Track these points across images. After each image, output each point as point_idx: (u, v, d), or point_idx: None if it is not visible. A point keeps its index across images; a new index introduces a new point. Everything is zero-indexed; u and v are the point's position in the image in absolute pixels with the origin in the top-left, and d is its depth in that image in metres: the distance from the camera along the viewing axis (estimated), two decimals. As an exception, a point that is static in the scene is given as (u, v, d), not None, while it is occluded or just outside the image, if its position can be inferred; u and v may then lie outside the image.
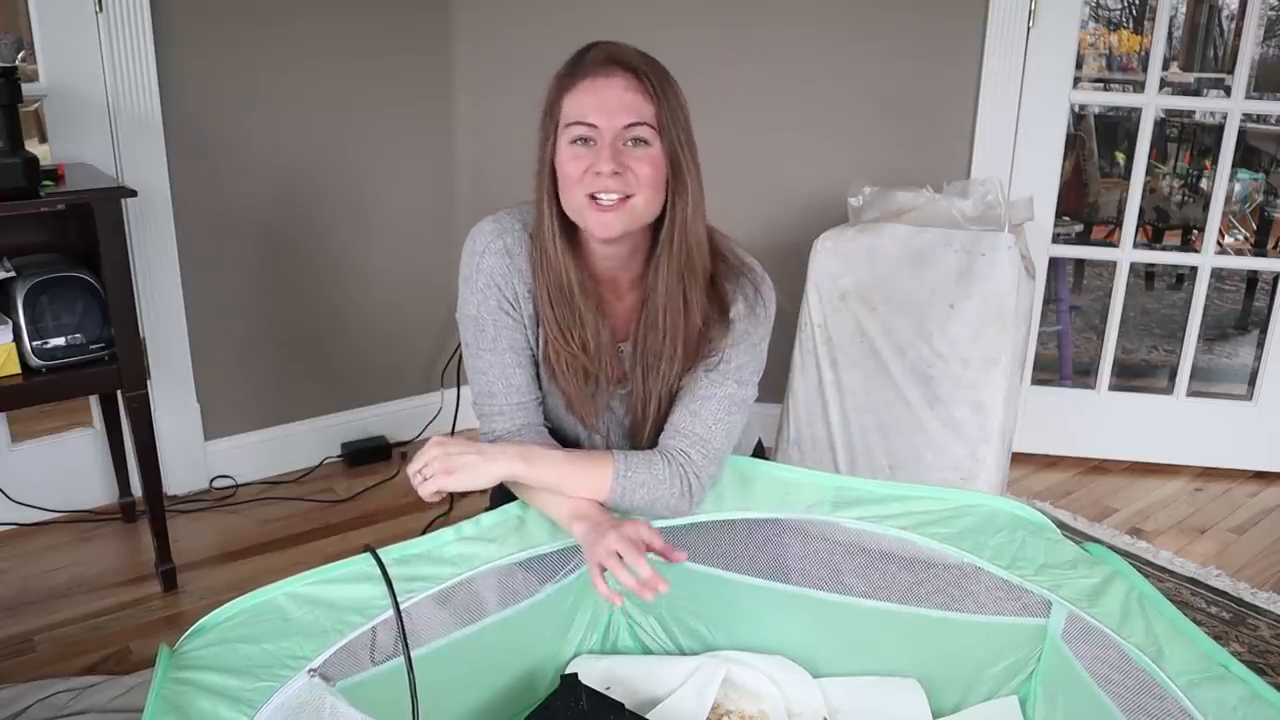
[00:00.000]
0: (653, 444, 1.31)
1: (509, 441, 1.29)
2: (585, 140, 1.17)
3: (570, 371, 1.29)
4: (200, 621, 1.07)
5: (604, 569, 1.14)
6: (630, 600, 1.47)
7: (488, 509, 1.35)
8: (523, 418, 1.31)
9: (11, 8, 2.17)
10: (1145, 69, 2.61)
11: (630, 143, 1.17)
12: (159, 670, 0.99)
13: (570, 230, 1.24)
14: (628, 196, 1.17)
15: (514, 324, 1.29)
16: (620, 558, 1.12)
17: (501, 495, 1.37)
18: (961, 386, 2.10)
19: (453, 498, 2.37)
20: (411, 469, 1.22)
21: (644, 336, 1.28)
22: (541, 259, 1.25)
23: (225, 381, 2.44)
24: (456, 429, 2.77)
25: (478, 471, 1.21)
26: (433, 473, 1.19)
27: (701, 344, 1.27)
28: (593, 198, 1.17)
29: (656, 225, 1.24)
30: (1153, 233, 4.57)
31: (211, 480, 2.46)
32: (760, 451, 1.60)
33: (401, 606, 1.08)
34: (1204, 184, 5.04)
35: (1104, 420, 2.74)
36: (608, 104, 1.16)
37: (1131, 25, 8.28)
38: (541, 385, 1.34)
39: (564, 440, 1.38)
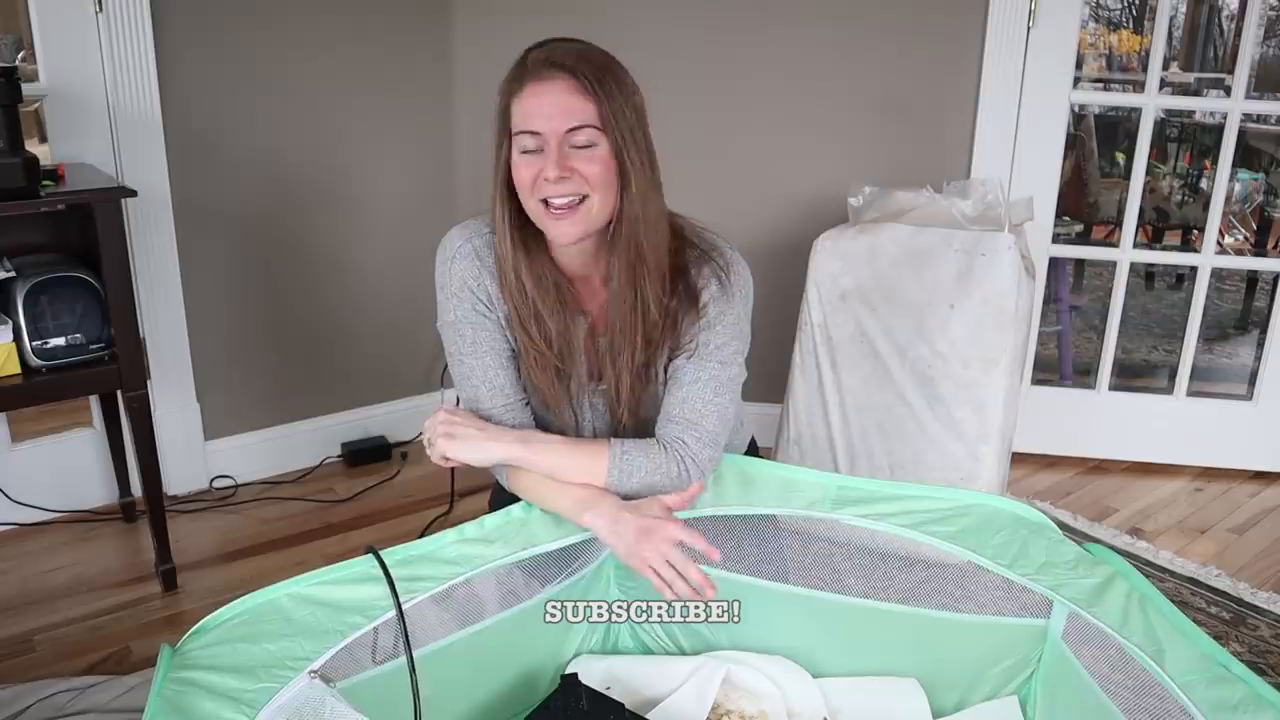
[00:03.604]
0: (631, 433, 1.32)
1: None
2: (533, 148, 1.18)
3: (538, 367, 1.30)
4: (202, 621, 1.06)
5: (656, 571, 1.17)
6: (630, 600, 1.47)
7: (490, 507, 1.35)
8: (511, 419, 1.32)
9: (11, 8, 2.17)
10: (1145, 69, 2.60)
11: (577, 145, 1.18)
12: (160, 670, 0.99)
13: (529, 231, 1.25)
14: (582, 199, 1.19)
15: (491, 325, 1.30)
16: (671, 566, 1.16)
17: (501, 498, 1.38)
18: (961, 386, 2.10)
19: (452, 497, 2.37)
20: (424, 435, 1.27)
21: (611, 325, 1.29)
22: (499, 258, 1.27)
23: (225, 381, 2.44)
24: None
25: (477, 447, 1.25)
26: (436, 437, 1.24)
27: (668, 333, 1.28)
28: (547, 205, 1.19)
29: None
30: (1153, 233, 4.57)
31: (211, 480, 2.46)
32: (754, 451, 1.60)
33: (404, 607, 1.07)
34: (1204, 184, 5.04)
35: (1104, 420, 2.74)
36: (548, 109, 1.17)
37: (1131, 25, 8.28)
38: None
39: None
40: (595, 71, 1.18)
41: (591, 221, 1.21)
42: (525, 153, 1.19)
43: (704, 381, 1.28)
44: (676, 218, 1.31)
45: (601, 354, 1.32)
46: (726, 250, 1.31)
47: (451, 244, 1.31)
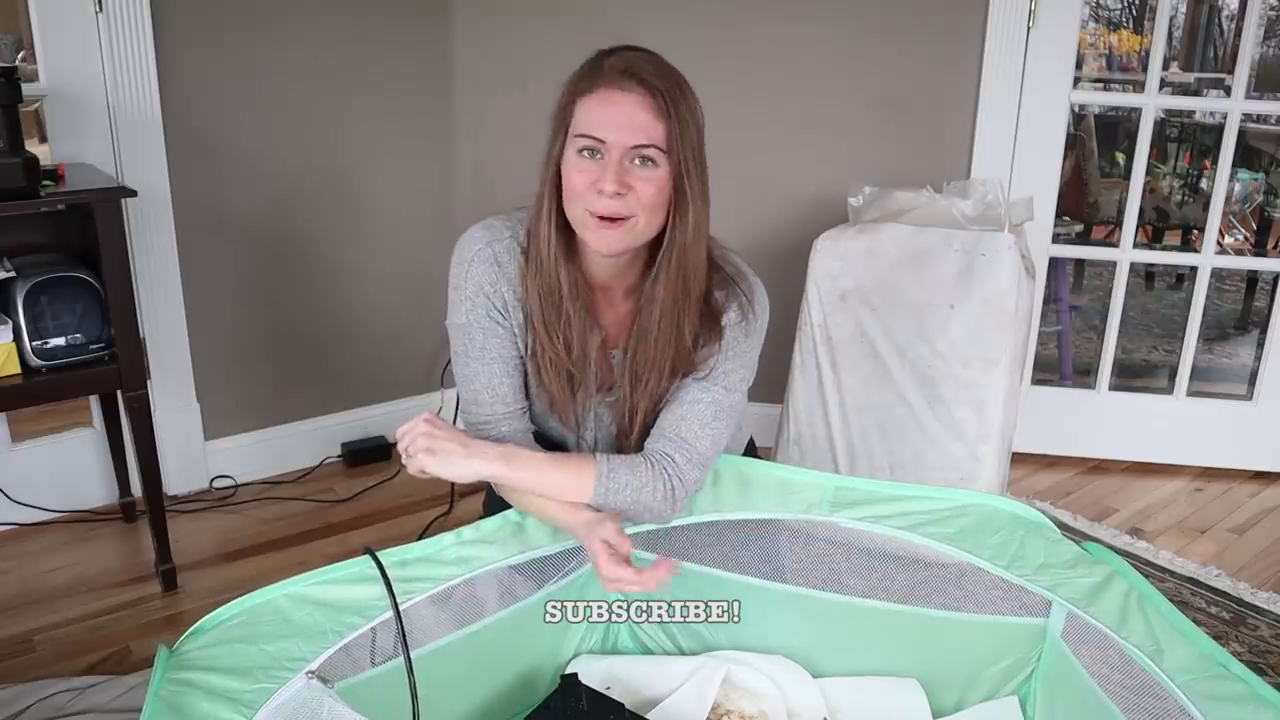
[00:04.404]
0: (638, 451, 1.31)
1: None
2: (592, 152, 1.16)
3: (553, 371, 1.28)
4: (199, 622, 1.06)
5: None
6: (630, 600, 1.47)
7: (484, 511, 1.35)
8: (508, 426, 1.31)
9: (11, 8, 2.17)
10: (1145, 69, 2.61)
11: (637, 161, 1.15)
12: (157, 671, 0.99)
13: (568, 232, 1.23)
14: (629, 216, 1.16)
15: (503, 332, 1.28)
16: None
17: (495, 500, 1.37)
18: (962, 387, 2.10)
19: (452, 497, 2.37)
20: (400, 443, 1.21)
21: (636, 347, 1.27)
22: (535, 256, 1.24)
23: (225, 381, 2.44)
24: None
25: (459, 463, 1.20)
26: (416, 450, 1.19)
27: (691, 357, 1.27)
28: (595, 215, 1.17)
29: (656, 238, 1.23)
30: (1153, 233, 4.57)
31: (211, 480, 2.46)
32: (752, 451, 1.59)
33: (401, 608, 1.07)
34: (1204, 184, 5.04)
35: (1104, 420, 2.74)
36: (619, 120, 1.14)
37: (1131, 25, 8.28)
38: (529, 388, 1.34)
39: (550, 445, 1.37)
40: (671, 91, 1.16)
41: (635, 239, 1.18)
42: (581, 154, 1.16)
43: (705, 404, 1.27)
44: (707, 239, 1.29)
45: (618, 373, 1.31)
46: (750, 276, 1.30)
47: (471, 245, 1.27)
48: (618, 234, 1.17)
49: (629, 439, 1.32)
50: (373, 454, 2.64)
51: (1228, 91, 2.74)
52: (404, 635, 1.04)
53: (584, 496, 1.23)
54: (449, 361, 2.79)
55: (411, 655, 1.02)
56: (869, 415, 2.18)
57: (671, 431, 1.27)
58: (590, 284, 1.28)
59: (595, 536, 1.16)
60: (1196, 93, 6.72)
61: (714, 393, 1.27)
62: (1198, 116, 5.36)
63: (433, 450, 1.19)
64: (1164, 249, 4.45)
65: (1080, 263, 4.38)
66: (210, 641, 1.03)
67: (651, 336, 1.25)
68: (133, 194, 1.88)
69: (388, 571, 1.11)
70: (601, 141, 1.15)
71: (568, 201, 1.19)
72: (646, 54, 1.19)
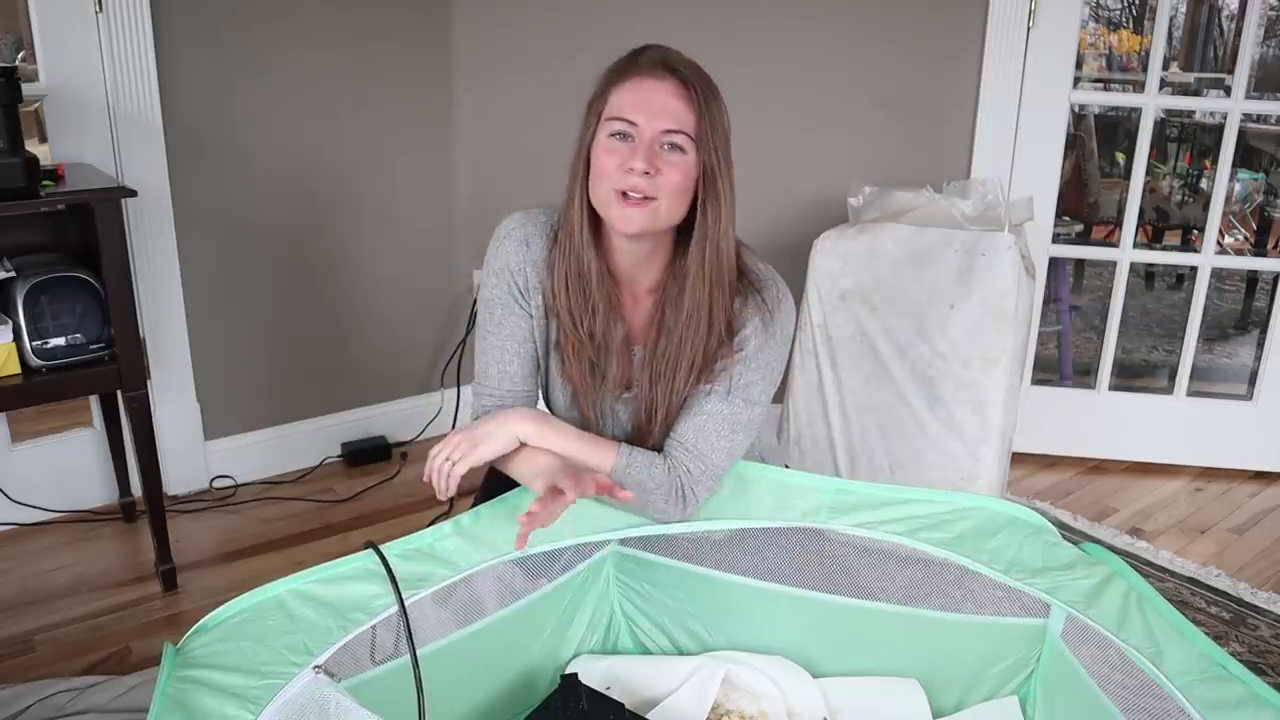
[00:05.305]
0: (656, 449, 1.32)
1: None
2: (623, 135, 1.19)
3: (576, 358, 1.30)
4: (203, 620, 1.07)
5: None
6: (630, 601, 1.47)
7: (476, 500, 1.36)
8: (510, 405, 1.33)
9: (11, 8, 2.17)
10: (1145, 69, 2.61)
11: (666, 147, 1.19)
12: (164, 669, 0.99)
13: (596, 223, 1.26)
14: (653, 197, 1.19)
15: (520, 313, 1.32)
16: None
17: (491, 486, 1.38)
18: (962, 387, 2.10)
19: (452, 500, 2.36)
20: (438, 460, 1.23)
21: (658, 343, 1.28)
22: (565, 243, 1.27)
23: (225, 381, 2.45)
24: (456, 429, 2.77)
25: (499, 434, 1.25)
26: (460, 454, 1.23)
27: (714, 356, 1.28)
28: (620, 193, 1.19)
29: (680, 232, 1.25)
30: (1153, 233, 4.57)
31: (211, 480, 2.46)
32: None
33: (405, 603, 1.08)
34: (1204, 184, 5.04)
35: (1104, 420, 2.74)
36: (651, 105, 1.19)
37: (1131, 25, 8.28)
38: (549, 377, 1.36)
39: None
40: (703, 87, 1.22)
41: (656, 221, 1.21)
42: (612, 137, 1.20)
43: (724, 416, 1.28)
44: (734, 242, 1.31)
45: (639, 364, 1.32)
46: (776, 286, 1.31)
47: (505, 226, 1.33)
48: (641, 212, 1.20)
49: (649, 437, 1.33)
50: (373, 454, 2.64)
51: (1228, 91, 2.74)
52: (409, 629, 1.04)
53: (602, 470, 1.26)
54: (449, 361, 2.81)
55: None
56: (869, 415, 2.18)
57: (689, 441, 1.28)
58: (615, 278, 1.30)
59: (547, 480, 1.18)
60: (1196, 93, 6.72)
61: (734, 405, 1.28)
62: (1198, 116, 5.36)
63: (475, 442, 1.23)
64: (1164, 249, 4.45)
65: (1080, 263, 4.38)
66: (215, 639, 1.04)
67: (676, 333, 1.26)
68: (133, 194, 1.88)
69: (391, 566, 1.11)
70: (633, 124, 1.19)
71: (594, 182, 1.22)
72: (679, 52, 1.25)
